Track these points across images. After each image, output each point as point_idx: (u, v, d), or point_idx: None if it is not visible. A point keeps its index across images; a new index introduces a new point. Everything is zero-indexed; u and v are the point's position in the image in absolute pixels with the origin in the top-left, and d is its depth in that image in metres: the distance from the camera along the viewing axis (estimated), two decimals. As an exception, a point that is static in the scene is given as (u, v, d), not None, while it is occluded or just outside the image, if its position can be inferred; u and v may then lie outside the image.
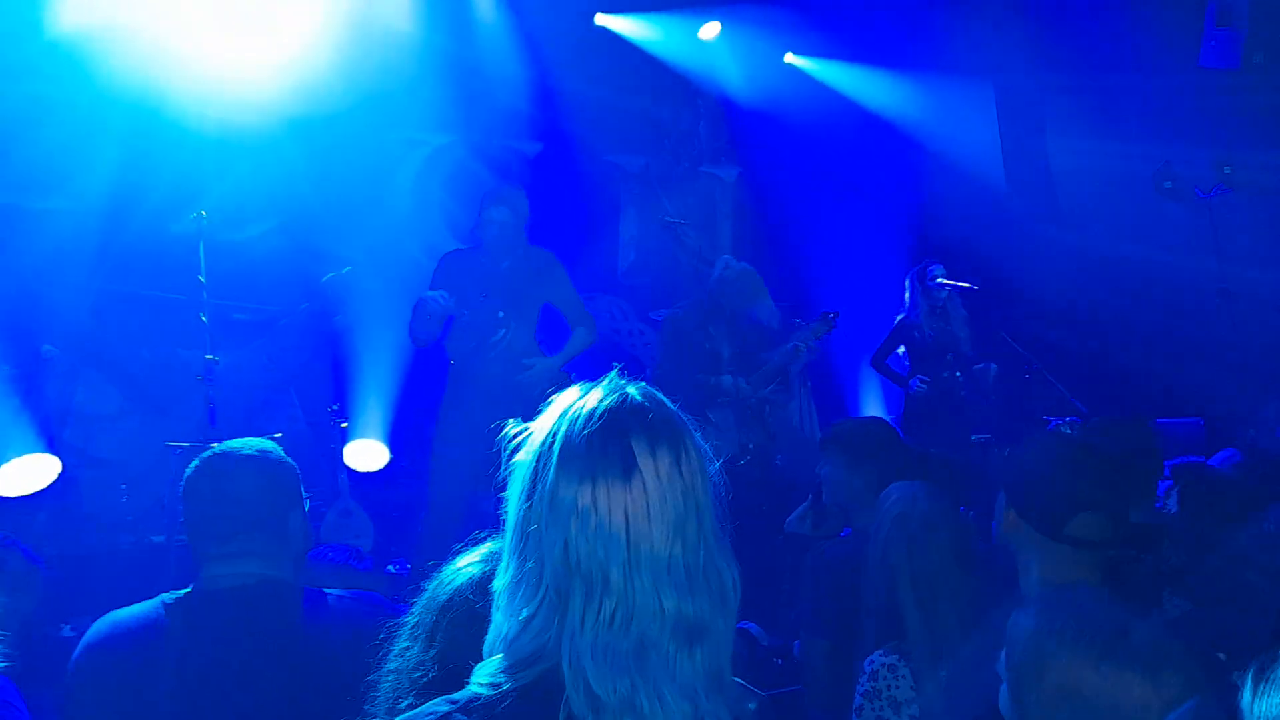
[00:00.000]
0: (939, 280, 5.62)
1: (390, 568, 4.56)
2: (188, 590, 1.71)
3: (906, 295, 5.72)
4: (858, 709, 1.92)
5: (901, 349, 5.80)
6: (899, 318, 5.77)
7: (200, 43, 5.80)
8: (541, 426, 1.05)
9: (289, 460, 1.82)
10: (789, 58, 7.73)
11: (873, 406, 7.51)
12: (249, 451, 1.78)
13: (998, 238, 7.62)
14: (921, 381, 5.55)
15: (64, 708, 1.66)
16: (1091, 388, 5.94)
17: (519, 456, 1.04)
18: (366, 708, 1.29)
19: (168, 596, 1.70)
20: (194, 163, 5.86)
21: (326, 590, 1.76)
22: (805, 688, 2.77)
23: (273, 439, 4.52)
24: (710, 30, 7.52)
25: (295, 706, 1.60)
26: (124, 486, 5.18)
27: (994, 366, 5.69)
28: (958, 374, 5.59)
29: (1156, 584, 2.05)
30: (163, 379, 5.47)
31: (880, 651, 1.94)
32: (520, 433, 1.06)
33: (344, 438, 5.46)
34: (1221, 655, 1.65)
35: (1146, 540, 2.13)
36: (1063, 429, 5.17)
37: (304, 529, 1.81)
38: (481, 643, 1.22)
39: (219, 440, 4.21)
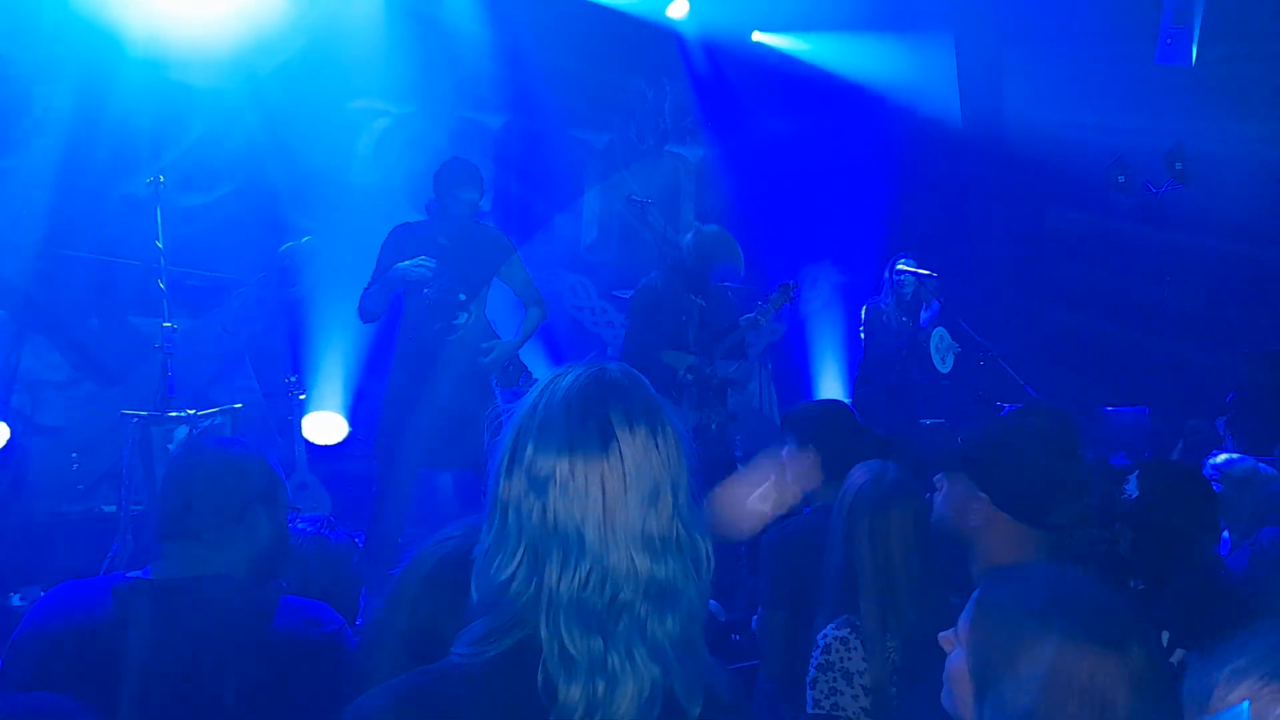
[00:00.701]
0: (899, 268, 5.73)
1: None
2: (140, 575, 1.69)
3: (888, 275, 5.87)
4: (811, 681, 1.96)
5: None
6: (866, 306, 5.87)
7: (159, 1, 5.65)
8: (524, 401, 1.07)
9: (269, 465, 1.81)
10: (757, 35, 7.72)
11: (832, 389, 7.62)
12: (230, 447, 1.79)
13: (961, 224, 7.76)
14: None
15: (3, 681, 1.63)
16: (1044, 375, 6.09)
17: (502, 435, 1.06)
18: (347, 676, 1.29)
19: (119, 580, 1.68)
20: (149, 124, 5.72)
21: (287, 597, 1.74)
22: (762, 662, 2.82)
23: (233, 409, 4.46)
24: (679, 8, 7.49)
25: (221, 705, 1.59)
26: (74, 455, 5.07)
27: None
28: (912, 371, 5.70)
29: (1118, 565, 2.12)
30: (114, 346, 5.35)
31: (833, 625, 1.99)
32: (504, 412, 1.08)
33: (301, 409, 5.40)
34: (1166, 632, 1.71)
35: (1103, 524, 2.21)
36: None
37: (273, 531, 1.77)
38: (461, 614, 1.24)
39: (176, 410, 4.19)
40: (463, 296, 4.04)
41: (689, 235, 4.71)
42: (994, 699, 1.23)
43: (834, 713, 1.92)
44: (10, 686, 1.59)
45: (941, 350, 5.77)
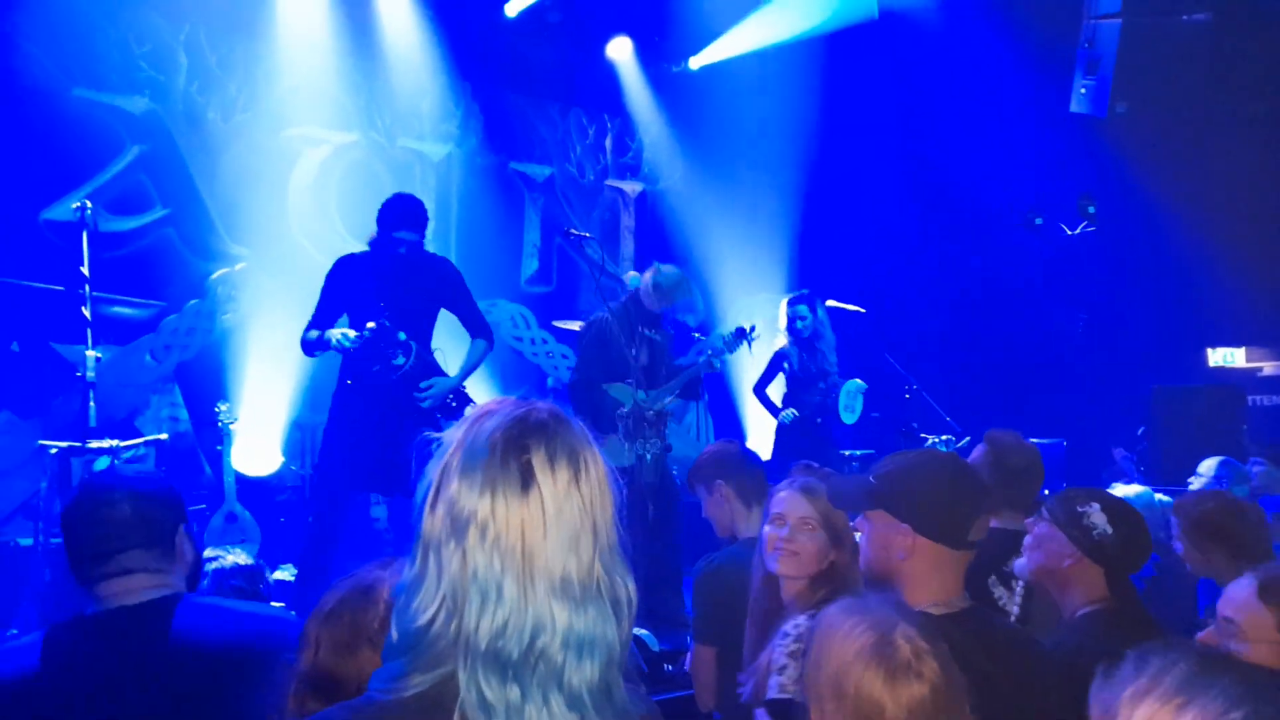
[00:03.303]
0: (829, 304, 5.88)
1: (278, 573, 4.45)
2: (72, 620, 1.64)
3: (780, 323, 5.91)
4: (781, 668, 1.98)
5: (780, 375, 6.00)
6: (775, 350, 5.94)
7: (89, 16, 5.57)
8: (450, 436, 1.08)
9: (165, 480, 1.80)
10: (694, 62, 7.86)
11: (766, 420, 7.75)
12: (125, 479, 1.74)
13: (886, 262, 8.01)
14: (787, 412, 5.76)
15: None
16: (964, 408, 6.30)
17: (430, 465, 1.07)
18: None
19: (46, 636, 1.61)
20: (78, 147, 5.60)
21: (227, 603, 1.73)
22: (696, 694, 2.85)
23: (157, 440, 4.33)
24: (620, 47, 7.64)
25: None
26: (-11, 487, 4.89)
27: (857, 383, 5.89)
28: (829, 400, 5.81)
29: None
30: (35, 374, 5.18)
31: (805, 615, 2.02)
32: (433, 442, 1.08)
33: (232, 439, 5.29)
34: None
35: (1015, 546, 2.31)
36: (938, 446, 5.47)
37: (191, 549, 1.76)
38: (359, 653, 1.25)
39: (99, 440, 4.08)
40: (403, 336, 4.00)
41: (648, 273, 4.73)
42: (811, 711, 1.36)
43: (799, 698, 1.95)
44: None
45: (849, 404, 5.86)
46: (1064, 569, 2.00)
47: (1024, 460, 2.60)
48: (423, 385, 4.05)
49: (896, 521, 1.78)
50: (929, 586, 1.75)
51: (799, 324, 5.78)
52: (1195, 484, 4.17)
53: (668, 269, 4.72)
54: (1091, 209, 6.76)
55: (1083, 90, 7.05)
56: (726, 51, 7.73)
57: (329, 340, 3.94)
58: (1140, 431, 6.14)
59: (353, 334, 3.91)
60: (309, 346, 4.06)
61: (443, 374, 4.17)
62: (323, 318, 4.04)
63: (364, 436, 3.98)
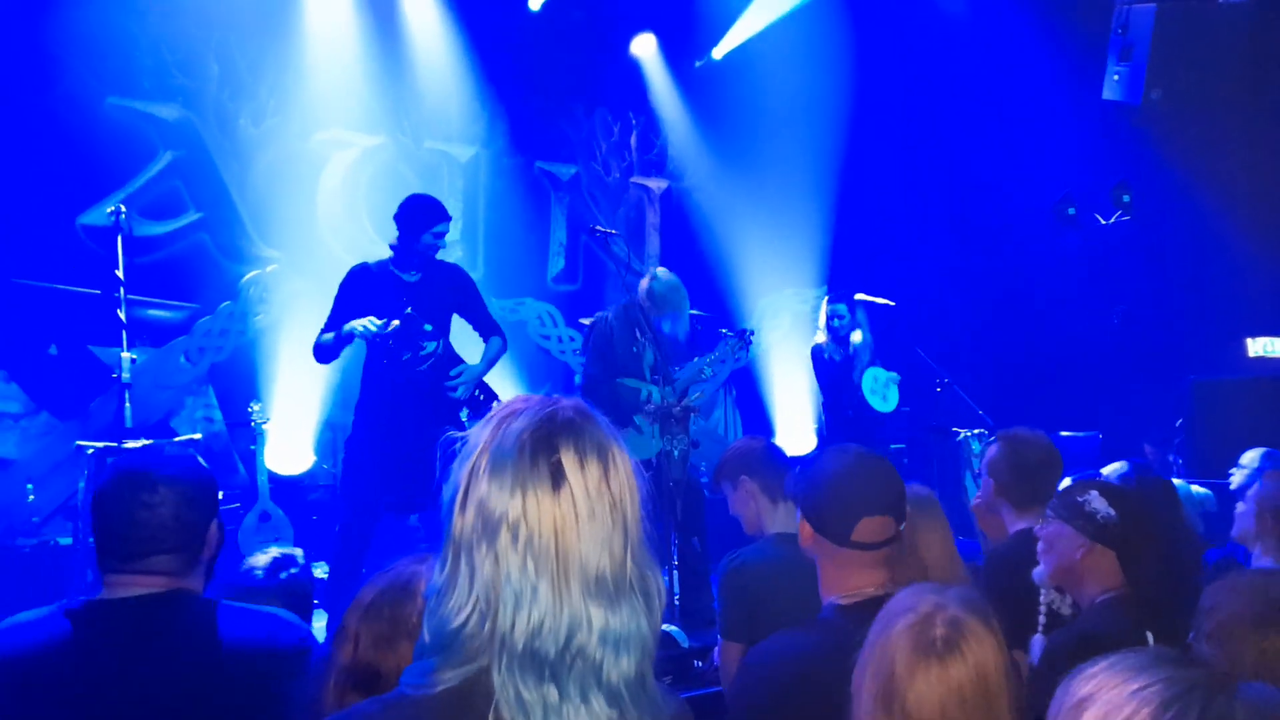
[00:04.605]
0: (857, 297, 5.86)
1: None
2: (92, 599, 1.65)
3: (819, 321, 5.97)
4: None
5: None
6: (811, 346, 5.98)
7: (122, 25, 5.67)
8: (476, 436, 1.07)
9: (205, 470, 1.76)
10: (717, 51, 7.79)
11: (793, 415, 7.72)
12: (167, 469, 1.69)
13: (916, 254, 7.92)
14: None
15: None
16: (997, 402, 6.22)
17: (455, 465, 1.06)
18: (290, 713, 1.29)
19: (71, 604, 1.63)
20: (112, 154, 5.70)
21: (235, 604, 1.72)
22: (725, 692, 2.85)
23: (190, 439, 4.38)
24: (644, 44, 7.63)
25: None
26: (30, 486, 4.99)
27: (862, 336, 5.90)
28: (863, 404, 5.81)
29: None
30: (73, 377, 5.29)
31: None
32: (457, 441, 1.08)
33: (265, 439, 5.36)
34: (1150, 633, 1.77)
35: None
36: (971, 440, 5.41)
37: (218, 537, 1.75)
38: (399, 646, 1.26)
39: (134, 441, 4.14)
40: (429, 327, 4.05)
41: (646, 278, 4.77)
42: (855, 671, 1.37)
43: None
44: None
45: (878, 390, 5.83)
46: (1078, 561, 2.00)
47: (1039, 454, 2.58)
48: (452, 373, 4.09)
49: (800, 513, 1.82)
50: (831, 578, 1.75)
51: (835, 322, 5.82)
52: (1237, 476, 4.08)
53: (664, 276, 4.75)
54: (1126, 198, 6.64)
55: (1116, 77, 6.92)
56: (747, 31, 7.64)
57: (352, 332, 3.94)
58: (1178, 424, 6.03)
59: (378, 322, 3.91)
60: (323, 350, 4.07)
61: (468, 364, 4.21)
62: (337, 324, 4.06)
63: (392, 450, 3.98)
